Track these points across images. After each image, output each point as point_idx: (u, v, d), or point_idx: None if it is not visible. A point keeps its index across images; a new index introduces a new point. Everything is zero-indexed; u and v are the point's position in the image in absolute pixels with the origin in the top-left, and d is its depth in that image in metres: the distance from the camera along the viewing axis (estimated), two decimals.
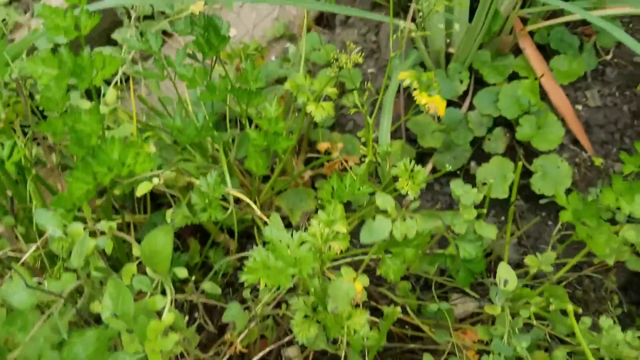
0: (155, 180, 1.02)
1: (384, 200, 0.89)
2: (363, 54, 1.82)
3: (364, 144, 1.30)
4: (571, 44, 1.56)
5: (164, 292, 0.96)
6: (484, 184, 1.47)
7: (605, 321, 0.91)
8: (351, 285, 0.87)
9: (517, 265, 1.45)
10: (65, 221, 1.01)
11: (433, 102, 1.16)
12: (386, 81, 1.49)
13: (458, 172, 1.56)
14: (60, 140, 1.39)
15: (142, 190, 1.00)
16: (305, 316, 0.89)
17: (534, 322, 1.02)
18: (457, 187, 1.00)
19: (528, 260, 1.08)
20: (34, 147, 1.46)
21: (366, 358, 1.09)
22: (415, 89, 1.15)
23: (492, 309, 0.99)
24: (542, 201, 1.49)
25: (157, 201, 1.56)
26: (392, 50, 1.19)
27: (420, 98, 1.15)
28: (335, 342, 0.96)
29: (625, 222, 1.42)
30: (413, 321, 1.24)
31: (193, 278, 1.09)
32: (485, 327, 1.04)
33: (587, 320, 0.94)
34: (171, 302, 0.90)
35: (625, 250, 1.35)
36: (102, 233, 1.03)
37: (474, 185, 1.15)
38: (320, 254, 0.96)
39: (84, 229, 1.00)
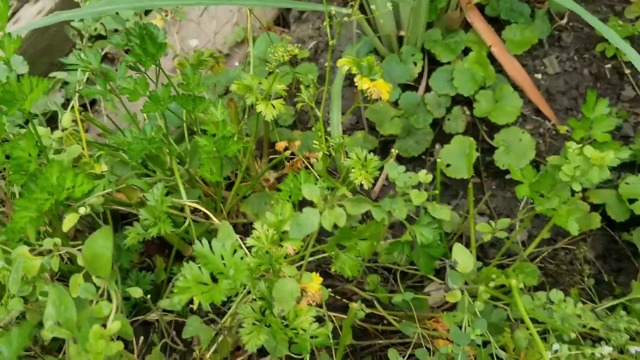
0: (82, 210, 1.00)
1: (310, 191, 0.87)
2: (319, 47, 1.80)
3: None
4: (522, 13, 1.53)
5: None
6: (448, 165, 1.45)
7: (555, 295, 0.89)
8: (295, 286, 0.85)
9: (490, 245, 1.43)
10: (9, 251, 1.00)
11: (375, 86, 1.13)
12: (332, 72, 1.47)
13: (423, 157, 1.54)
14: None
15: (68, 224, 0.98)
16: (254, 323, 0.87)
17: (497, 304, 1.00)
18: (392, 169, 0.98)
19: (480, 227, 1.05)
20: None
21: (334, 358, 1.07)
22: (356, 75, 1.12)
23: (452, 296, 0.97)
24: (508, 176, 1.47)
25: (125, 221, 1.54)
26: (330, 37, 1.16)
27: (362, 83, 1.12)
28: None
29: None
30: (384, 315, 1.21)
31: (148, 297, 1.07)
32: (449, 314, 1.01)
33: (542, 296, 0.91)
34: (117, 309, 0.88)
35: (595, 217, 1.33)
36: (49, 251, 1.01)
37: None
38: (269, 257, 0.94)
39: (30, 250, 0.98)
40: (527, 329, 0.87)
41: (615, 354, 0.79)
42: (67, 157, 1.28)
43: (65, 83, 2.01)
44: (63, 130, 1.46)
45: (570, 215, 1.06)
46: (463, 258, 0.94)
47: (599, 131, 1.05)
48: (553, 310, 0.87)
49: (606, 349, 0.78)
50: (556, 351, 0.80)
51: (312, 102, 1.23)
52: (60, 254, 1.06)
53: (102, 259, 0.92)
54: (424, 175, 1.06)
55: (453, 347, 0.87)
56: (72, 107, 1.65)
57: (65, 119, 1.48)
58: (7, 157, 1.06)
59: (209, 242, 0.79)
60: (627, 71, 1.55)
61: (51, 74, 1.86)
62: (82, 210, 0.99)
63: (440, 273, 1.31)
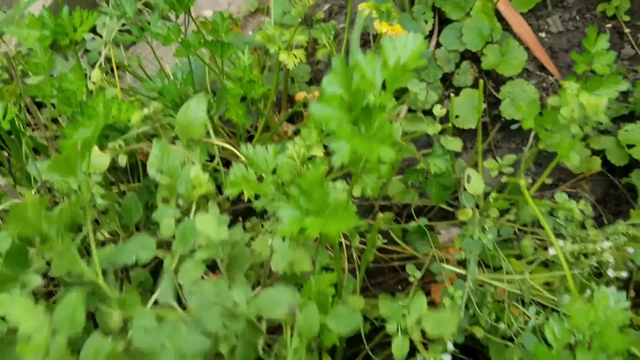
0: (145, 110, 1.10)
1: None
2: (333, 10, 1.89)
3: None
4: None
5: None
6: (457, 116, 1.54)
7: (560, 196, 0.98)
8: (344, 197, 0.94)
9: (497, 191, 1.52)
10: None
11: (393, 31, 1.23)
12: (350, 20, 1.56)
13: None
14: (53, 113, 1.46)
15: (135, 117, 1.08)
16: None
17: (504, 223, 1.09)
18: (413, 85, 1.07)
19: (487, 164, 1.14)
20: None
21: (357, 273, 1.16)
22: (375, 19, 1.21)
23: (464, 213, 1.06)
24: (513, 127, 1.56)
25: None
26: None
27: (381, 27, 1.22)
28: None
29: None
30: (397, 249, 1.30)
31: None
32: (460, 236, 1.10)
33: (547, 202, 1.01)
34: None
35: (596, 160, 1.42)
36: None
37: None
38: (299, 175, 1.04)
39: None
40: (532, 235, 0.96)
41: (614, 249, 0.88)
42: None
43: (87, 51, 2.09)
44: (94, 84, 1.55)
45: (572, 147, 1.15)
46: (475, 179, 1.03)
47: (599, 64, 1.13)
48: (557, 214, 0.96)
49: (606, 244, 0.87)
50: (561, 247, 0.89)
51: (333, 48, 1.32)
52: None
53: (196, 121, 1.02)
54: (438, 110, 1.15)
55: (465, 254, 0.96)
56: (101, 64, 1.74)
57: (95, 73, 1.57)
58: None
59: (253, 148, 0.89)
60: (627, 30, 1.64)
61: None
62: (146, 111, 1.09)
63: (448, 215, 1.40)
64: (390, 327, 0.92)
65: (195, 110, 1.04)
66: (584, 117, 1.10)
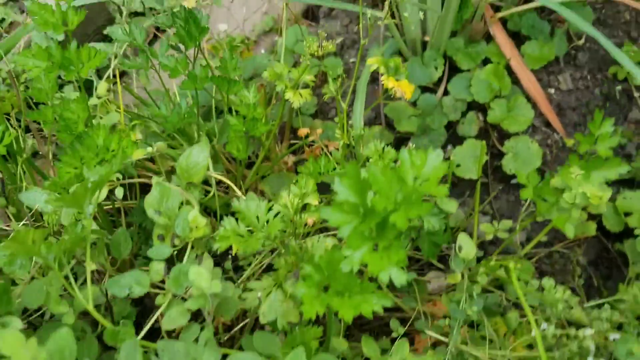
0: (149, 149, 1.11)
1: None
2: (345, 44, 1.89)
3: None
4: (542, 30, 1.62)
5: None
6: (458, 165, 1.54)
7: (547, 282, 0.98)
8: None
9: (490, 242, 1.52)
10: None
11: (400, 86, 1.23)
12: (358, 68, 1.56)
13: None
14: (52, 130, 1.47)
15: (137, 155, 1.09)
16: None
17: (492, 289, 1.09)
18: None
19: (484, 227, 1.14)
20: (30, 139, 1.54)
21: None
22: (382, 74, 1.21)
23: (453, 277, 1.06)
24: (513, 181, 1.56)
25: (147, 189, 1.64)
26: (362, 37, 1.26)
27: (388, 82, 1.22)
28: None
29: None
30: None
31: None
32: (449, 295, 1.10)
33: (535, 283, 1.01)
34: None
35: (591, 225, 1.42)
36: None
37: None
38: (292, 224, 1.04)
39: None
40: (518, 310, 0.96)
41: (596, 337, 0.88)
42: (106, 123, 1.38)
43: None
44: (98, 97, 1.56)
45: (568, 220, 1.15)
46: (467, 245, 1.03)
47: (602, 147, 1.13)
48: (544, 296, 0.96)
49: (588, 331, 0.87)
50: (544, 330, 0.89)
51: (339, 94, 1.32)
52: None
53: (197, 166, 1.04)
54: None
55: (450, 322, 0.96)
56: (108, 76, 1.75)
57: (101, 87, 1.58)
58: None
59: (245, 202, 0.90)
60: (636, 94, 1.63)
61: (90, 44, 1.96)
62: (149, 149, 1.10)
63: (441, 261, 1.40)
64: None
65: (197, 156, 1.05)
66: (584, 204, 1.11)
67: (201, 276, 0.79)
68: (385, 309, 1.35)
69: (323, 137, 1.63)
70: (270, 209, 0.94)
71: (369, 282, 0.79)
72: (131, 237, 1.11)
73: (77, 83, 1.36)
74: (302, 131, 1.55)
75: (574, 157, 1.19)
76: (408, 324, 1.11)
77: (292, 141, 1.69)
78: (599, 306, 1.13)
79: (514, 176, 1.55)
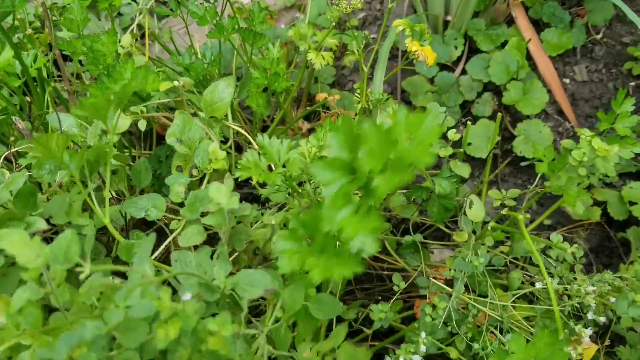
0: (176, 83, 1.13)
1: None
2: (367, 20, 1.92)
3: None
4: (562, 19, 1.64)
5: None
6: (469, 143, 1.57)
7: (555, 237, 1.00)
8: None
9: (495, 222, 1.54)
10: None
11: (423, 51, 1.25)
12: (383, 32, 1.58)
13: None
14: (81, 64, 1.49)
15: (164, 87, 1.11)
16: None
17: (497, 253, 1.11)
18: (433, 106, 1.09)
19: (492, 193, 1.16)
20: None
21: None
22: (408, 37, 1.24)
23: (460, 235, 1.08)
24: (523, 164, 1.58)
25: (161, 141, 1.67)
26: (390, 0, 1.28)
27: (412, 45, 1.24)
28: None
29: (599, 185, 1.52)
30: (389, 259, 1.33)
31: None
32: (452, 257, 1.13)
33: (541, 241, 1.03)
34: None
35: (596, 211, 1.44)
36: None
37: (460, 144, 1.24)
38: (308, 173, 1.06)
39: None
40: (522, 269, 0.98)
41: (597, 294, 0.91)
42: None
43: (120, 14, 2.13)
44: (123, 48, 1.58)
45: (579, 196, 1.18)
46: (476, 205, 1.05)
47: (621, 125, 1.15)
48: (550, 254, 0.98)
49: (590, 288, 0.90)
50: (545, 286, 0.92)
51: (362, 57, 1.34)
52: None
53: (221, 101, 1.06)
54: (452, 134, 1.17)
55: (454, 273, 0.98)
56: (133, 29, 1.77)
57: (126, 38, 1.60)
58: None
59: (269, 139, 0.92)
60: None
61: None
62: (176, 83, 1.12)
63: (443, 239, 1.42)
64: None
65: (223, 91, 1.07)
66: (593, 161, 1.12)
67: (221, 192, 0.81)
68: (390, 269, 1.37)
69: (339, 106, 1.65)
70: (291, 149, 0.97)
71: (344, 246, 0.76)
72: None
73: (109, 15, 1.39)
74: (320, 95, 1.57)
75: (583, 131, 1.21)
76: (410, 280, 1.13)
77: (309, 108, 1.72)
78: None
79: (522, 159, 1.57)
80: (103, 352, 0.55)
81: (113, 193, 1.09)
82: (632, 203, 1.44)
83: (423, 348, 0.87)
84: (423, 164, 0.67)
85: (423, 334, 0.87)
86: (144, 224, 1.31)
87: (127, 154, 1.38)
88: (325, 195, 0.68)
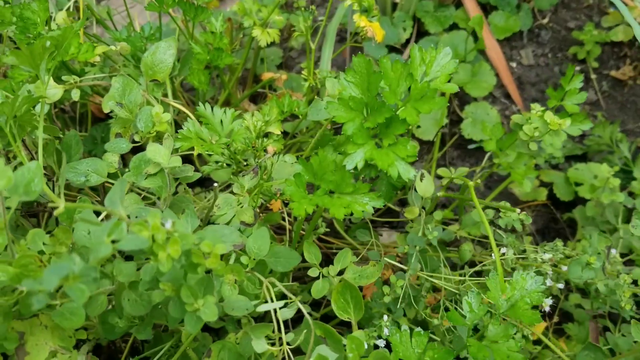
0: (112, 47, 1.06)
1: (332, 84, 0.95)
2: (314, 1, 1.88)
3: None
4: (509, 2, 1.64)
5: None
6: (418, 126, 1.55)
7: (504, 204, 0.99)
8: (294, 168, 0.92)
9: (442, 206, 1.53)
10: None
11: (372, 27, 1.22)
12: (330, 13, 1.55)
13: None
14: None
15: (98, 50, 1.04)
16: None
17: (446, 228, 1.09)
18: None
19: (441, 171, 1.14)
20: None
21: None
22: (356, 12, 1.20)
23: (411, 212, 1.06)
24: (470, 146, 1.58)
25: (97, 122, 1.59)
26: None
27: (360, 21, 1.21)
28: None
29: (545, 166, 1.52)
30: (338, 241, 1.29)
31: None
32: (403, 235, 1.10)
33: (490, 212, 1.01)
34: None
35: (542, 191, 1.44)
36: None
37: None
38: (253, 149, 1.01)
39: None
40: (472, 241, 0.96)
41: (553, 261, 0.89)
42: None
43: None
44: (57, 26, 1.49)
45: (527, 174, 1.17)
46: (426, 181, 1.02)
47: (569, 102, 1.15)
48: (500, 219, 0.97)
49: (546, 255, 0.88)
50: (503, 254, 0.90)
51: (309, 33, 1.30)
52: None
53: (163, 63, 0.99)
54: None
55: (408, 249, 0.95)
56: (69, 7, 1.68)
57: (61, 14, 1.51)
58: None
59: (210, 108, 0.86)
60: (593, 76, 1.68)
61: None
62: (113, 47, 1.05)
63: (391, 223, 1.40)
64: (312, 272, 0.90)
65: (164, 52, 1.01)
66: (543, 136, 1.11)
67: (159, 152, 0.75)
68: (340, 249, 1.34)
69: (287, 87, 1.61)
70: (236, 119, 0.92)
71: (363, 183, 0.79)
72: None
73: None
74: (266, 75, 1.52)
75: (534, 106, 1.21)
76: (360, 256, 1.09)
77: (255, 86, 1.67)
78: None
79: (470, 141, 1.57)
80: (93, 285, 0.50)
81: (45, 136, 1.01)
82: (577, 184, 1.44)
83: (386, 331, 0.83)
84: (450, 91, 0.71)
85: (385, 317, 0.84)
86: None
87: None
88: (346, 132, 0.70)
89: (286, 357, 0.71)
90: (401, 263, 1.06)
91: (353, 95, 0.72)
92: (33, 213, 1.15)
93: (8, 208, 0.59)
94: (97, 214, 0.85)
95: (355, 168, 0.75)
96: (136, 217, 0.69)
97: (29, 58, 0.70)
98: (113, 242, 0.49)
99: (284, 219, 1.19)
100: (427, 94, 0.69)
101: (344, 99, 0.72)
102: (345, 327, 1.12)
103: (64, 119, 1.52)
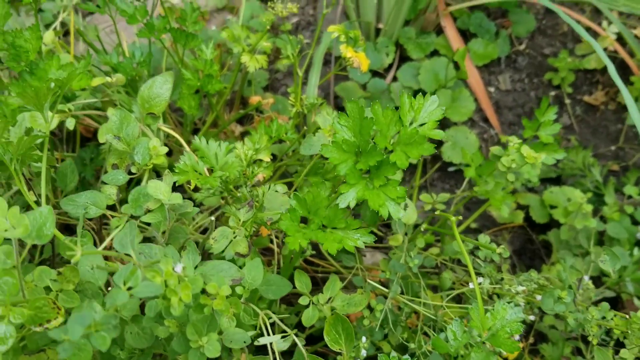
0: (108, 78, 1.09)
1: (324, 120, 1.00)
2: (300, 25, 1.92)
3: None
4: (488, 30, 1.71)
5: None
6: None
7: (482, 237, 1.04)
8: (286, 199, 0.96)
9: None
10: None
11: (357, 57, 1.27)
12: (314, 47, 1.59)
13: None
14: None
15: (96, 82, 1.07)
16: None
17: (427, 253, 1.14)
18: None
19: (423, 197, 1.19)
20: None
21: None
22: (342, 43, 1.25)
23: (394, 239, 1.10)
24: (450, 169, 1.63)
25: (85, 143, 1.61)
26: (325, 6, 1.29)
27: (346, 51, 1.25)
28: None
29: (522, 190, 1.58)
30: (323, 263, 1.33)
31: None
32: (386, 259, 1.14)
33: (469, 242, 1.06)
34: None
35: (519, 214, 1.50)
36: None
37: None
38: (244, 176, 1.05)
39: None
40: (452, 270, 1.01)
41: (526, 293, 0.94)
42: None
43: (41, 10, 2.04)
44: (45, 45, 1.51)
45: (504, 200, 1.22)
46: (409, 209, 1.07)
47: (544, 133, 1.21)
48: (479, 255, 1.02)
49: (520, 287, 0.93)
50: (480, 283, 0.94)
51: (297, 60, 1.34)
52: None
53: (159, 97, 1.02)
54: None
55: (389, 275, 0.99)
56: (56, 26, 1.70)
57: (49, 35, 1.53)
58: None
59: (205, 141, 0.90)
60: (567, 101, 1.75)
61: None
62: (108, 79, 1.08)
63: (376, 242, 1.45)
64: (302, 300, 0.94)
65: (161, 87, 1.04)
66: (520, 167, 1.17)
67: (159, 189, 0.79)
68: (325, 272, 1.38)
69: (273, 110, 1.65)
70: (230, 152, 0.95)
71: (353, 219, 0.83)
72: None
73: (32, 10, 1.33)
74: (254, 99, 1.56)
75: (511, 139, 1.26)
76: (345, 282, 1.13)
77: (242, 112, 1.70)
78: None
79: (450, 164, 1.62)
80: (114, 332, 0.53)
81: (35, 196, 1.03)
82: (552, 207, 1.51)
83: (364, 352, 0.87)
84: (436, 138, 0.75)
85: (364, 339, 0.88)
86: (66, 229, 1.25)
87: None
88: (339, 173, 0.76)
89: None
90: (384, 285, 1.10)
91: (346, 138, 0.77)
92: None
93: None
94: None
95: (348, 206, 0.79)
96: (140, 253, 0.72)
97: (34, 99, 0.73)
98: (129, 288, 0.52)
99: (271, 241, 1.22)
100: (416, 140, 0.74)
101: (337, 142, 0.76)
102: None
103: (52, 140, 1.53)
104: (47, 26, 1.97)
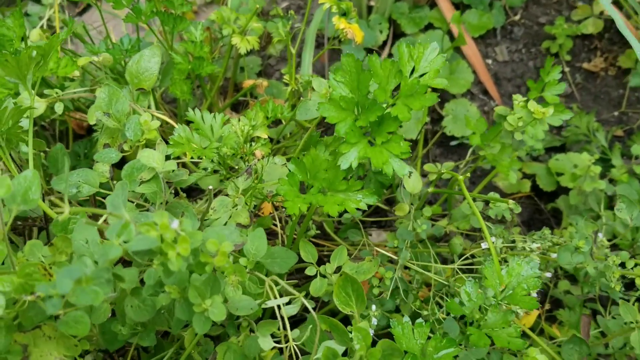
0: (95, 57, 1.06)
1: (319, 83, 0.96)
2: (291, 9, 1.89)
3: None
4: (482, 0, 1.67)
5: None
6: (400, 126, 1.56)
7: (492, 196, 1.00)
8: (285, 170, 0.93)
9: (429, 203, 1.55)
10: None
11: (351, 28, 1.23)
12: (307, 19, 1.56)
13: None
14: None
15: (82, 61, 1.03)
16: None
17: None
18: None
19: (427, 167, 1.16)
20: None
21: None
22: (335, 15, 1.21)
23: (400, 209, 1.07)
24: (452, 143, 1.60)
25: (78, 139, 1.58)
26: None
27: (339, 23, 1.22)
28: None
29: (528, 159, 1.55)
30: (328, 243, 1.30)
31: None
32: (393, 232, 1.11)
33: (479, 204, 1.03)
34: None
35: (526, 183, 1.47)
36: None
37: None
38: (241, 152, 1.02)
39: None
40: (462, 234, 0.98)
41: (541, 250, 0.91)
42: None
43: (27, 14, 2.01)
44: (32, 43, 1.48)
45: (512, 165, 1.19)
46: (414, 178, 1.04)
47: (549, 93, 1.17)
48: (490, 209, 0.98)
49: (534, 245, 0.90)
50: (493, 242, 0.91)
51: (289, 38, 1.31)
52: None
53: (148, 71, 0.99)
54: None
55: (398, 243, 0.96)
56: (43, 25, 1.67)
57: (35, 32, 1.50)
58: None
59: (200, 113, 0.87)
60: (567, 69, 1.72)
61: None
62: (95, 58, 1.05)
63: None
64: (309, 271, 0.91)
65: (149, 60, 1.01)
66: (527, 126, 1.13)
67: (153, 157, 0.75)
68: (330, 251, 1.34)
69: (268, 94, 1.61)
70: (225, 123, 0.92)
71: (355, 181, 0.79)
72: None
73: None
74: (248, 82, 1.53)
75: (516, 97, 1.23)
76: (353, 255, 1.10)
77: (237, 95, 1.67)
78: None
79: (452, 138, 1.59)
80: (107, 287, 0.50)
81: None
82: (559, 174, 1.47)
83: (374, 321, 0.84)
84: (440, 87, 0.71)
85: (373, 307, 0.84)
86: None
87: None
88: (339, 132, 0.71)
89: (292, 354, 0.71)
90: (392, 261, 1.07)
91: (343, 95, 0.73)
92: (20, 231, 1.14)
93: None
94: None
95: (350, 167, 0.75)
96: (135, 222, 0.69)
97: (15, 69, 0.70)
98: (121, 243, 0.49)
99: (274, 224, 1.19)
100: (417, 90, 0.71)
101: (334, 99, 0.73)
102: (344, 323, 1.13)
103: (44, 136, 1.50)
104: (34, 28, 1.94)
